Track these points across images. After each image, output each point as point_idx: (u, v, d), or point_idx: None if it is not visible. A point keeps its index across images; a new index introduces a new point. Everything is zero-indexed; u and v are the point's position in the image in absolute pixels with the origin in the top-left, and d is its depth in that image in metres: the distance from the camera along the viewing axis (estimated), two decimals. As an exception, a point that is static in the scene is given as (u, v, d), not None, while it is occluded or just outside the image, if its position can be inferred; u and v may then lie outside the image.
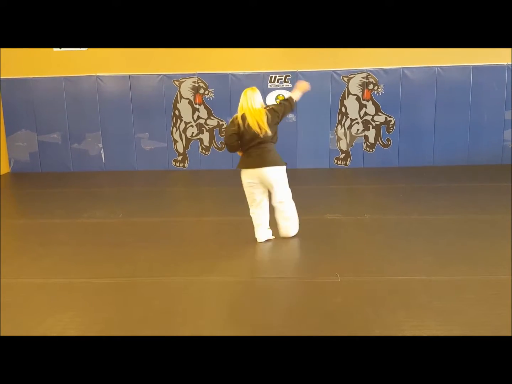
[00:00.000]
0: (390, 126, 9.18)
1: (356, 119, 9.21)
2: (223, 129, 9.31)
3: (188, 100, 9.28)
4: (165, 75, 9.18)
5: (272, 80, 9.09)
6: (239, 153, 4.80)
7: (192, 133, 9.42)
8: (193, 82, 9.19)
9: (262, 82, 9.06)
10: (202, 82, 9.17)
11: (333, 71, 9.02)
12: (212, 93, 9.20)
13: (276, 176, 4.65)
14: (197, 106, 9.29)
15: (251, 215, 4.89)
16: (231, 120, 4.70)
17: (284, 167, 4.72)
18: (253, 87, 4.79)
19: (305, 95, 9.00)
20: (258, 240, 4.88)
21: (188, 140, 9.45)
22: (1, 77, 9.29)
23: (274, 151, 4.68)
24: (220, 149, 9.40)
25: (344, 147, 9.32)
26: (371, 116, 9.18)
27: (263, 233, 4.90)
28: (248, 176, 4.68)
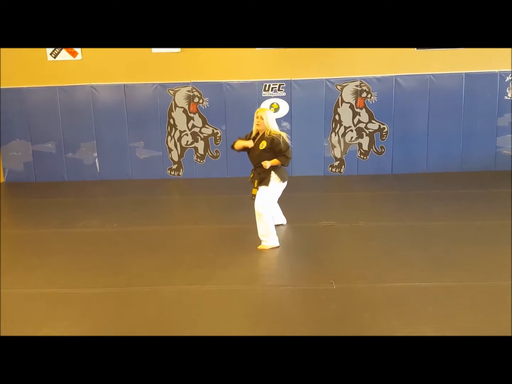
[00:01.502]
0: (384, 133, 9.23)
1: (350, 126, 9.26)
2: (218, 137, 9.33)
3: (182, 109, 9.30)
4: (159, 84, 9.21)
5: (266, 89, 9.13)
6: (270, 164, 4.95)
7: (187, 141, 9.44)
8: (188, 91, 9.22)
9: (256, 91, 9.10)
10: (197, 91, 9.21)
11: (326, 79, 9.08)
12: (207, 102, 9.23)
13: (263, 192, 5.09)
14: (191, 115, 9.31)
15: (269, 217, 5.02)
16: (284, 137, 4.95)
17: (271, 183, 5.10)
18: (260, 108, 5.28)
19: (299, 103, 9.12)
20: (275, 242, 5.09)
21: (183, 149, 9.47)
22: (-5, 87, 9.30)
23: (264, 171, 5.11)
24: (215, 157, 9.43)
25: (338, 155, 9.36)
26: (364, 124, 9.23)
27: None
28: (284, 185, 5.15)
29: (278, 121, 9.02)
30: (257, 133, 5.09)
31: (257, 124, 4.97)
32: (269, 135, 4.90)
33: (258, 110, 5.06)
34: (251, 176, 5.20)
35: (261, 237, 5.03)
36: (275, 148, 4.88)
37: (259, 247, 5.01)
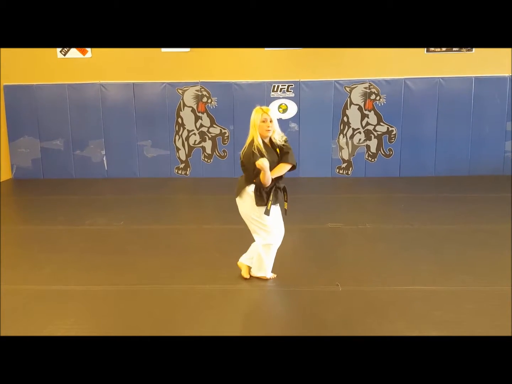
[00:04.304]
0: (392, 136, 9.20)
1: (358, 128, 9.24)
2: (225, 137, 9.35)
3: (191, 108, 9.31)
4: (168, 83, 9.23)
5: (275, 90, 9.13)
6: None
7: (195, 141, 9.45)
8: (196, 90, 9.23)
9: (265, 91, 9.10)
10: (205, 90, 9.22)
11: (335, 81, 9.06)
12: (215, 101, 9.24)
13: (240, 208, 4.14)
14: (200, 114, 9.33)
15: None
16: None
17: (246, 199, 4.02)
18: (260, 108, 3.98)
19: (308, 104, 9.10)
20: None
21: (190, 148, 9.48)
22: (5, 84, 9.35)
23: (242, 178, 4.11)
24: (222, 157, 9.43)
25: (346, 157, 9.34)
26: (373, 126, 9.21)
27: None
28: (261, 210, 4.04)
29: (286, 122, 9.06)
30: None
31: (267, 130, 3.90)
32: (278, 143, 4.00)
33: (262, 111, 3.91)
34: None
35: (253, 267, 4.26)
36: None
37: (244, 273, 4.27)
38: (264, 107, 3.98)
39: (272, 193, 3.95)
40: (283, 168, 3.96)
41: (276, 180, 3.99)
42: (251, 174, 3.92)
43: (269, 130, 3.92)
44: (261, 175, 3.82)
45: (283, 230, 4.19)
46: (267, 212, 3.92)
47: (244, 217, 4.13)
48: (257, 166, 3.77)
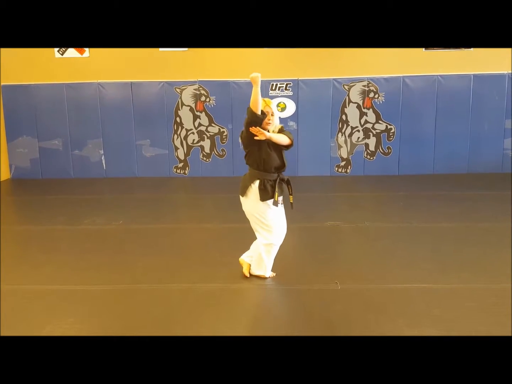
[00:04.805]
0: (391, 134, 9.20)
1: (357, 127, 9.24)
2: (224, 136, 9.34)
3: (189, 107, 9.30)
4: (166, 82, 9.22)
5: (273, 88, 9.12)
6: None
7: (193, 140, 9.44)
8: (195, 89, 9.22)
9: (263, 90, 9.07)
10: (204, 89, 9.20)
11: (334, 79, 9.06)
12: (213, 100, 9.23)
13: (244, 206, 4.09)
14: (198, 113, 9.31)
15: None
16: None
17: (251, 197, 3.97)
18: (262, 99, 3.94)
19: (306, 103, 9.10)
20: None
21: (189, 147, 9.47)
22: (3, 83, 9.33)
23: (246, 175, 4.06)
24: (221, 156, 9.43)
25: (344, 155, 9.34)
26: (371, 124, 9.21)
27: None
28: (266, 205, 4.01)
29: (285, 120, 9.05)
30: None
31: (268, 124, 3.85)
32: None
33: (264, 103, 3.90)
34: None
35: (253, 266, 4.28)
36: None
37: (245, 270, 4.28)
38: (266, 99, 3.92)
39: (277, 185, 3.92)
40: (282, 137, 3.81)
41: (279, 171, 3.98)
42: (252, 144, 3.84)
43: (269, 124, 3.84)
44: (252, 95, 3.79)
45: (285, 229, 4.17)
46: (275, 203, 3.91)
47: (247, 215, 4.11)
48: (251, 78, 3.78)
